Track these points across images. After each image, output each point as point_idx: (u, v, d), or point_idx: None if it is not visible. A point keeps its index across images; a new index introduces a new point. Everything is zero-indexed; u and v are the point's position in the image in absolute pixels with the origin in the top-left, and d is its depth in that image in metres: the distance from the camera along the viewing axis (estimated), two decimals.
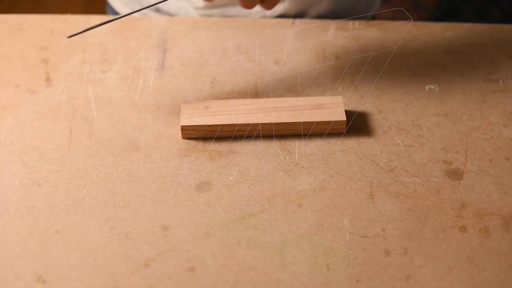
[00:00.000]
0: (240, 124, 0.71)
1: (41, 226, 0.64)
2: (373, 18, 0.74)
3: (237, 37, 0.85)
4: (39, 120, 0.74)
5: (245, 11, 0.91)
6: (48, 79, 0.79)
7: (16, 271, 0.61)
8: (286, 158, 0.71)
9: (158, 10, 0.95)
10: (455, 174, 0.69)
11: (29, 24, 0.87)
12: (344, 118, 0.72)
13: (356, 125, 0.74)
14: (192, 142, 0.72)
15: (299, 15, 0.92)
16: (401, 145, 0.72)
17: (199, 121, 0.71)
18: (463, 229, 0.65)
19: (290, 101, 0.74)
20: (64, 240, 0.63)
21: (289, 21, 0.88)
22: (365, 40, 0.85)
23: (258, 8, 0.90)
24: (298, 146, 0.72)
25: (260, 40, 0.85)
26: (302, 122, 0.72)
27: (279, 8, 0.90)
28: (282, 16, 0.91)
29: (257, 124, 0.71)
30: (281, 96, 0.77)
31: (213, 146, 0.72)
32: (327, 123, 0.72)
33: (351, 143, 0.72)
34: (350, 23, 0.88)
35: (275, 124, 0.71)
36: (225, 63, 0.82)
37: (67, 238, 0.63)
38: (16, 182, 0.68)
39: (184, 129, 0.71)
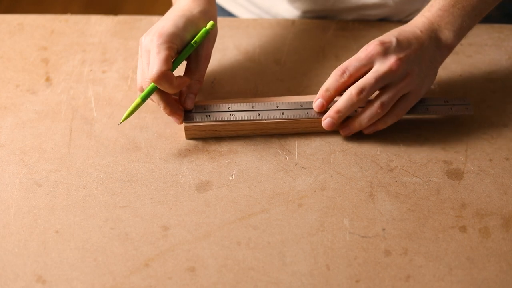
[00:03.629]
0: (242, 123, 0.71)
1: (41, 226, 0.64)
2: None
3: (237, 37, 0.85)
4: (39, 120, 0.74)
5: (340, 16, 0.90)
6: (48, 79, 0.79)
7: (16, 271, 0.61)
8: (286, 158, 0.71)
9: (268, 13, 0.95)
10: (455, 174, 0.69)
11: (29, 24, 0.87)
12: None
13: None
14: (192, 142, 0.72)
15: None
16: (401, 145, 0.72)
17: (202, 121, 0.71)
18: (463, 229, 0.64)
19: (291, 100, 0.73)
20: (64, 240, 0.63)
21: (289, 21, 0.88)
22: (365, 40, 0.85)
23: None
24: (298, 146, 0.72)
25: (260, 40, 0.85)
26: (303, 121, 0.72)
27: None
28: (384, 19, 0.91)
29: (258, 123, 0.71)
30: (281, 96, 0.77)
31: (213, 146, 0.72)
32: None
33: (351, 143, 0.72)
34: (350, 23, 0.88)
35: (276, 123, 0.71)
36: (225, 63, 0.82)
37: (67, 238, 0.63)
38: (16, 182, 0.68)
39: (187, 129, 0.71)
